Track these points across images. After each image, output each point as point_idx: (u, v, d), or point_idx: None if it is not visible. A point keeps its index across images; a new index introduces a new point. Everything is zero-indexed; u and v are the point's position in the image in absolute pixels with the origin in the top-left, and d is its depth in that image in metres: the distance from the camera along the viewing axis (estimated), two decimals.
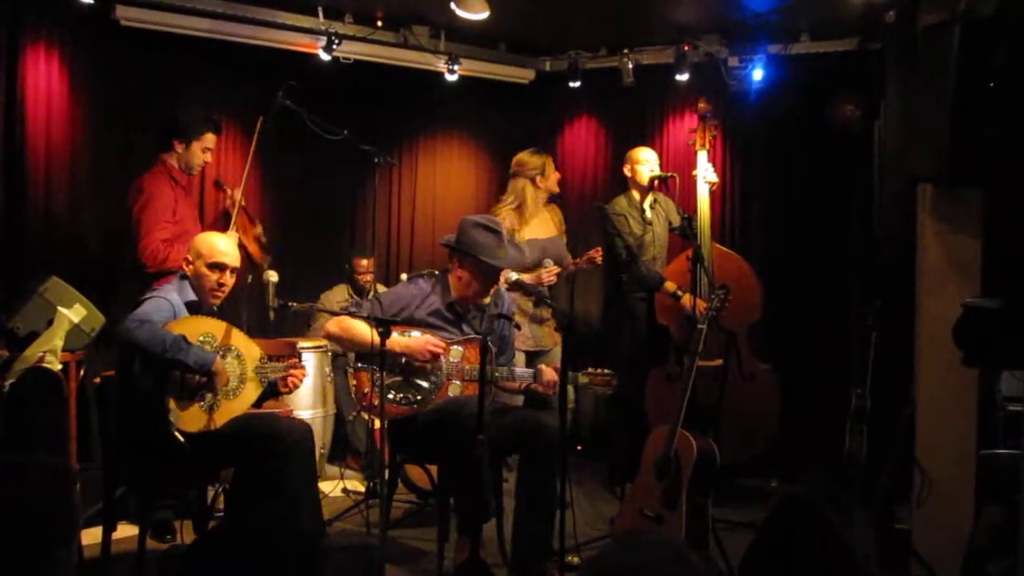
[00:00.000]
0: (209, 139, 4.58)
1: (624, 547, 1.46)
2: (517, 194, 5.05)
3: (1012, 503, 3.10)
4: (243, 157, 5.59)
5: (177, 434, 3.30)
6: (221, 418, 3.41)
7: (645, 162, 5.01)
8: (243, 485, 3.45)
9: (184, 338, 3.32)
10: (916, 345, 3.89)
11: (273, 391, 3.68)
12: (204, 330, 3.45)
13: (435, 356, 3.69)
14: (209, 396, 3.39)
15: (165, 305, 3.45)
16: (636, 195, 5.04)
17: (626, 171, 5.08)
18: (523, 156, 5.11)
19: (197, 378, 3.35)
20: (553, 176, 5.12)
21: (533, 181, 5.04)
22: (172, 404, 3.32)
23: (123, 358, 3.38)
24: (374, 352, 3.41)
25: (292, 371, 3.62)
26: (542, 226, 5.09)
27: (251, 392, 3.54)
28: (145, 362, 3.31)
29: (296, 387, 3.68)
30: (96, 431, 4.18)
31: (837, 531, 1.83)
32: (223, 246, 3.62)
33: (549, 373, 3.78)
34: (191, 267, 3.59)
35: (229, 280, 3.62)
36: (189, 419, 3.35)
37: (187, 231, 4.41)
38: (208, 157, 4.64)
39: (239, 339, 3.54)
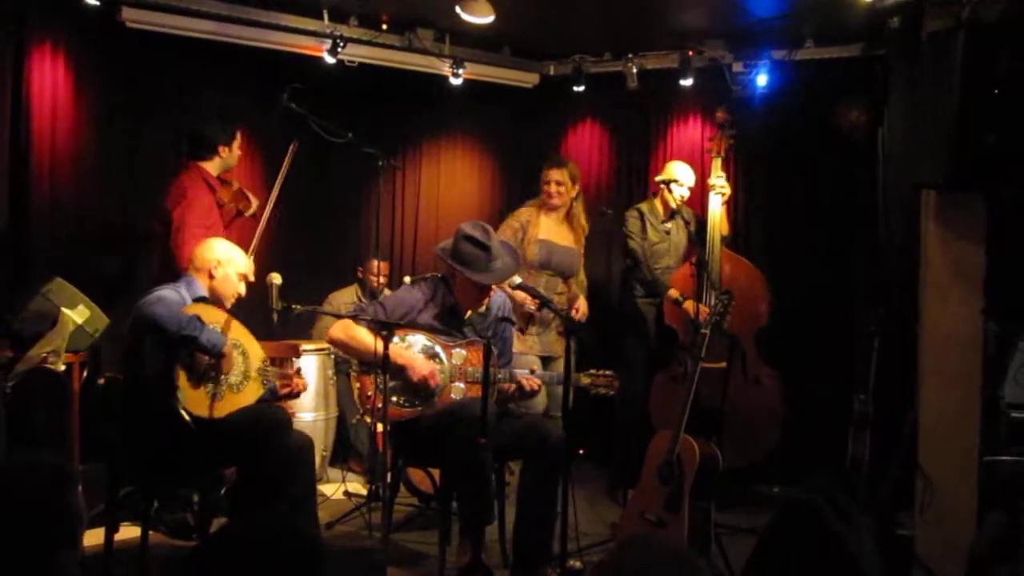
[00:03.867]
0: (239, 135, 4.64)
1: (629, 551, 1.46)
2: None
3: (1015, 509, 3.10)
4: (245, 158, 5.61)
5: (184, 412, 3.33)
6: (223, 408, 3.44)
7: (683, 185, 5.01)
8: (247, 484, 3.47)
9: (199, 318, 3.37)
10: (920, 351, 3.89)
11: (273, 396, 3.72)
12: (214, 320, 3.48)
13: (425, 383, 3.68)
14: (211, 384, 3.42)
15: (176, 296, 3.49)
16: (659, 206, 5.06)
17: (659, 179, 5.04)
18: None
19: (207, 360, 3.39)
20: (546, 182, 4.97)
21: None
22: (183, 381, 3.35)
23: (135, 335, 3.40)
24: (378, 360, 3.41)
25: (296, 380, 3.72)
26: (559, 235, 5.01)
27: (252, 391, 3.56)
28: (157, 340, 3.34)
29: (296, 394, 3.77)
30: (99, 431, 4.19)
31: (840, 538, 1.83)
32: (247, 259, 3.79)
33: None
34: (219, 272, 3.65)
35: (243, 289, 3.76)
36: (195, 401, 3.39)
37: (217, 235, 4.47)
38: (240, 152, 4.68)
39: (245, 337, 3.58)
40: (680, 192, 5.00)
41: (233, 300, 3.71)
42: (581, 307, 4.93)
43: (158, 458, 3.43)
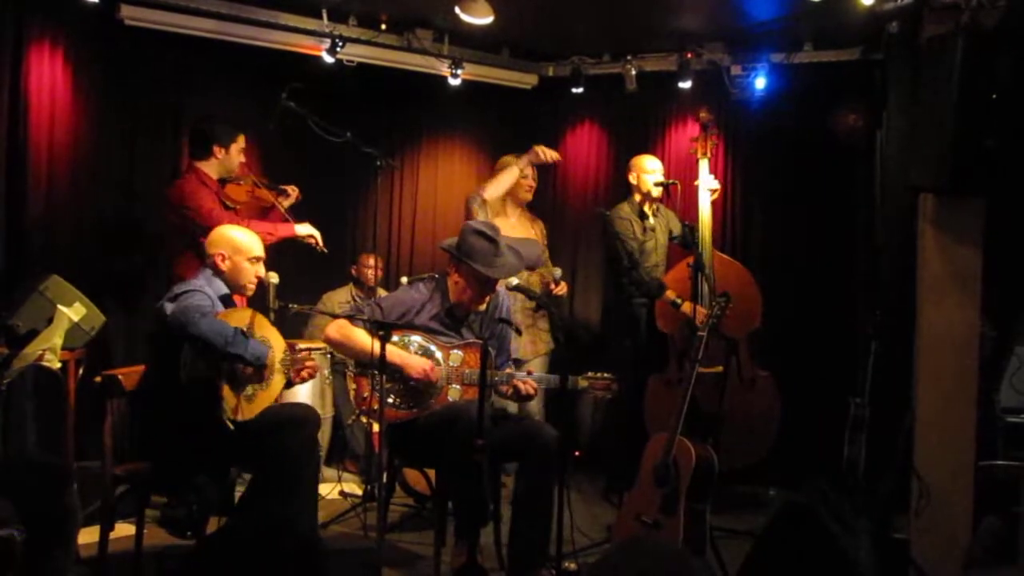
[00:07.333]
0: (241, 139, 4.58)
1: (627, 552, 1.46)
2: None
3: (1010, 514, 3.10)
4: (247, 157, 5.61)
5: (228, 421, 3.32)
6: (255, 408, 3.44)
7: (651, 172, 5.01)
8: (266, 481, 3.47)
9: (242, 331, 3.34)
10: (916, 355, 3.89)
11: (288, 384, 3.72)
12: (238, 322, 3.45)
13: (427, 378, 3.68)
14: (251, 387, 3.42)
15: (207, 300, 3.45)
16: (639, 202, 5.05)
17: (631, 178, 5.08)
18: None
19: (249, 370, 3.38)
20: (524, 175, 5.09)
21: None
22: (226, 391, 3.33)
23: (171, 345, 3.32)
24: (374, 361, 3.40)
25: (308, 363, 3.67)
26: (520, 231, 5.07)
27: (278, 384, 3.57)
28: (200, 351, 3.29)
29: (308, 378, 3.74)
30: (92, 429, 4.18)
31: (835, 540, 1.83)
32: (256, 240, 3.72)
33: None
34: (228, 263, 3.62)
35: (262, 271, 3.72)
36: (232, 407, 3.39)
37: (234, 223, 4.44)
38: (243, 157, 4.63)
39: (268, 330, 3.56)
40: (652, 178, 5.00)
41: (253, 285, 3.69)
42: (562, 286, 4.96)
43: (190, 459, 3.43)
